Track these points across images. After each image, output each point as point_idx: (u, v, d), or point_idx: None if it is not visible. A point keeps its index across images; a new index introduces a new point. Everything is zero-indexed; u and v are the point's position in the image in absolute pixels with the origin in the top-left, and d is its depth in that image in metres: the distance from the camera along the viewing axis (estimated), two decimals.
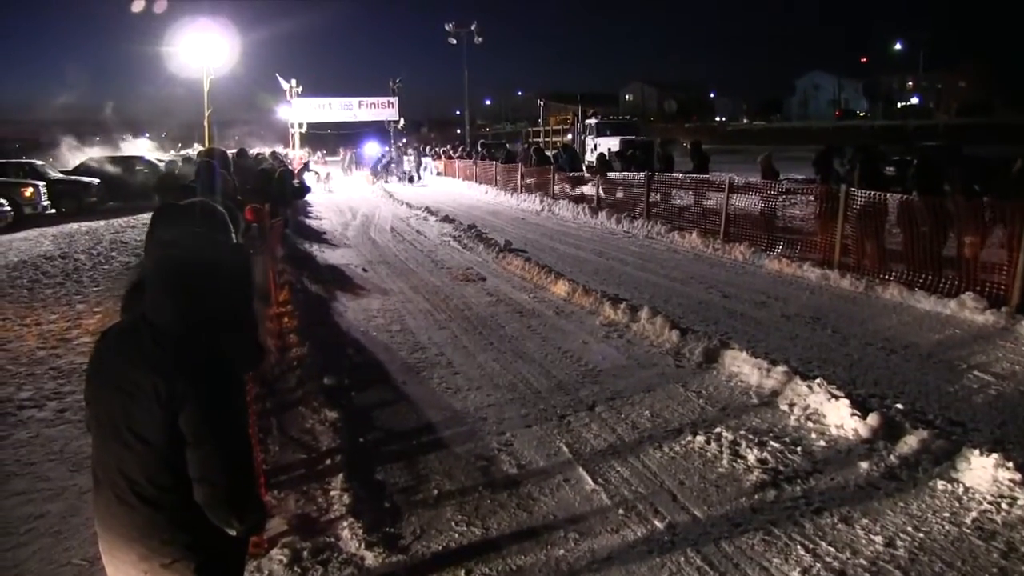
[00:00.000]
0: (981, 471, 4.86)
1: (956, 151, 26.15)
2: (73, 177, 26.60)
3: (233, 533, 2.27)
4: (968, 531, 4.37)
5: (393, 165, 43.60)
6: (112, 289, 11.41)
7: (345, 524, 4.50)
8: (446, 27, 52.50)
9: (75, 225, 20.55)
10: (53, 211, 23.28)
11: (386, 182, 39.51)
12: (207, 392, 2.18)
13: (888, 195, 11.54)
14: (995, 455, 4.91)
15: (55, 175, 25.99)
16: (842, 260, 11.89)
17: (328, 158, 58.68)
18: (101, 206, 25.14)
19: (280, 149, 46.46)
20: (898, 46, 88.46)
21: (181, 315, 2.23)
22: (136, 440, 2.19)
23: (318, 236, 18.06)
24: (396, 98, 51.46)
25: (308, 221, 21.21)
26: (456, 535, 4.47)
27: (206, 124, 37.42)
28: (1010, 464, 4.81)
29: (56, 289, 11.70)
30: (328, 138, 63.24)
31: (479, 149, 41.31)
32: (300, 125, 49.66)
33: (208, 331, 2.25)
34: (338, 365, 7.67)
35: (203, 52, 36.79)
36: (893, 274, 10.89)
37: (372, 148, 48.91)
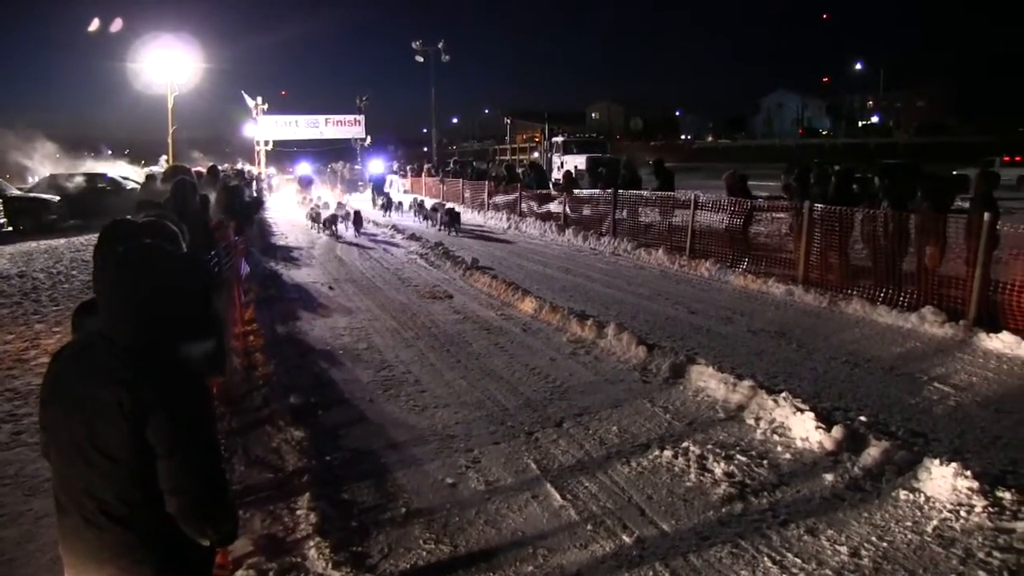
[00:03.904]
0: (941, 480, 4.94)
1: (916, 168, 26.75)
2: (32, 194, 26.19)
3: (207, 543, 2.26)
4: (929, 539, 4.44)
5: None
6: (72, 308, 11.22)
7: (312, 543, 4.45)
8: (413, 45, 52.68)
9: (34, 243, 20.20)
10: (10, 229, 22.91)
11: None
12: (173, 400, 2.15)
13: (855, 210, 11.72)
14: (954, 464, 5.00)
15: (12, 192, 25.58)
16: (807, 275, 12.05)
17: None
18: (61, 224, 24.76)
19: (246, 167, 46.02)
20: (859, 66, 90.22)
21: (139, 327, 2.20)
22: (102, 459, 2.15)
23: (284, 254, 17.92)
24: (363, 115, 51.52)
25: (273, 240, 21.07)
26: (424, 553, 4.45)
27: (170, 141, 37.18)
28: (968, 473, 4.91)
29: (13, 308, 11.48)
30: (295, 155, 61.33)
31: (449, 166, 41.34)
32: (266, 142, 49.49)
33: (168, 340, 2.24)
34: (304, 384, 7.62)
35: (167, 69, 36.63)
36: (856, 289, 11.06)
37: (377, 166, 41.52)
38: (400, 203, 30.36)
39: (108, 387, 2.13)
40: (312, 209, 25.75)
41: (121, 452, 2.14)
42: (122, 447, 2.13)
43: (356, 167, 48.38)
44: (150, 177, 15.11)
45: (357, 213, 22.95)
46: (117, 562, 2.20)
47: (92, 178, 29.03)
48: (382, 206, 29.50)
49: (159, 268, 2.31)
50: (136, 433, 2.12)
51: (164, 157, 39.73)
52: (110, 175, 30.52)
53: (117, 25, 35.30)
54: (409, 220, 26.63)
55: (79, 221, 25.27)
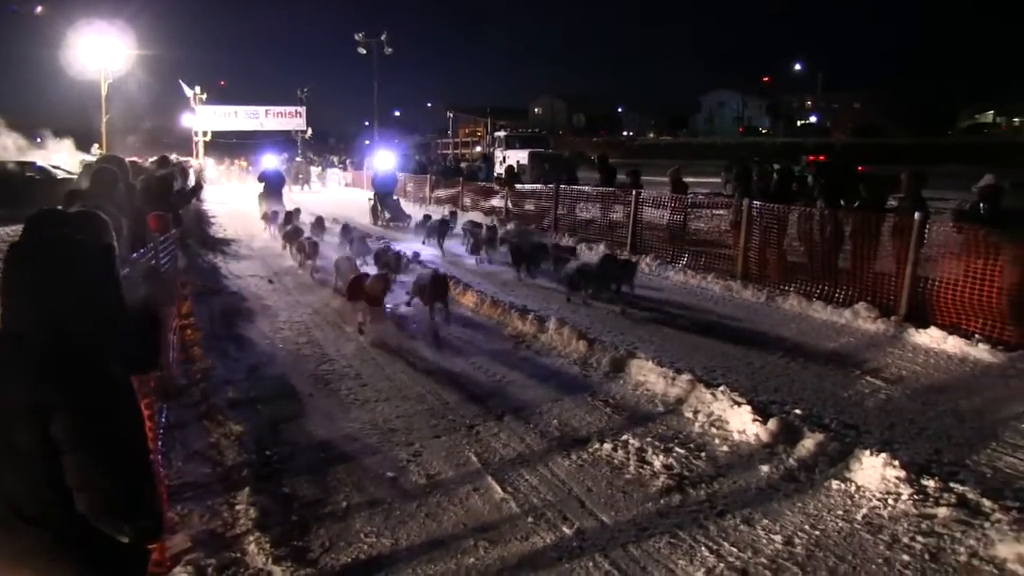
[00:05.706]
0: (871, 470, 5.11)
1: (851, 168, 27.48)
2: None
3: (125, 540, 2.19)
4: (859, 527, 4.58)
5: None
6: None
7: (251, 539, 4.41)
8: (356, 37, 52.10)
9: None
10: None
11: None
12: (76, 396, 2.10)
13: (793, 208, 11.96)
14: (884, 455, 5.18)
15: None
16: (745, 271, 12.27)
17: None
18: None
19: (181, 158, 44.81)
20: (798, 67, 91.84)
21: (41, 320, 2.15)
22: (12, 456, 2.09)
23: (223, 247, 17.61)
24: (304, 107, 50.85)
25: (212, 231, 20.67)
26: (365, 547, 4.43)
27: (103, 130, 36.15)
28: (897, 463, 5.09)
29: None
30: (235, 147, 59.24)
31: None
32: (204, 133, 48.49)
33: (74, 334, 2.18)
34: (243, 378, 7.52)
35: (100, 55, 35.51)
36: (793, 285, 11.29)
37: (385, 160, 25.62)
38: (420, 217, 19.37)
39: (15, 385, 2.09)
40: (304, 243, 14.18)
41: (31, 449, 2.09)
42: (31, 444, 2.08)
43: (297, 159, 47.37)
44: (87, 166, 14.70)
45: (441, 278, 10.02)
46: (31, 563, 2.14)
47: (21, 166, 28.09)
48: (421, 230, 18.42)
49: (57, 259, 2.24)
50: (42, 430, 2.07)
51: (96, 145, 38.58)
52: (39, 163, 29.54)
53: (42, 7, 34.11)
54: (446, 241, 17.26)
55: (6, 211, 24.39)
